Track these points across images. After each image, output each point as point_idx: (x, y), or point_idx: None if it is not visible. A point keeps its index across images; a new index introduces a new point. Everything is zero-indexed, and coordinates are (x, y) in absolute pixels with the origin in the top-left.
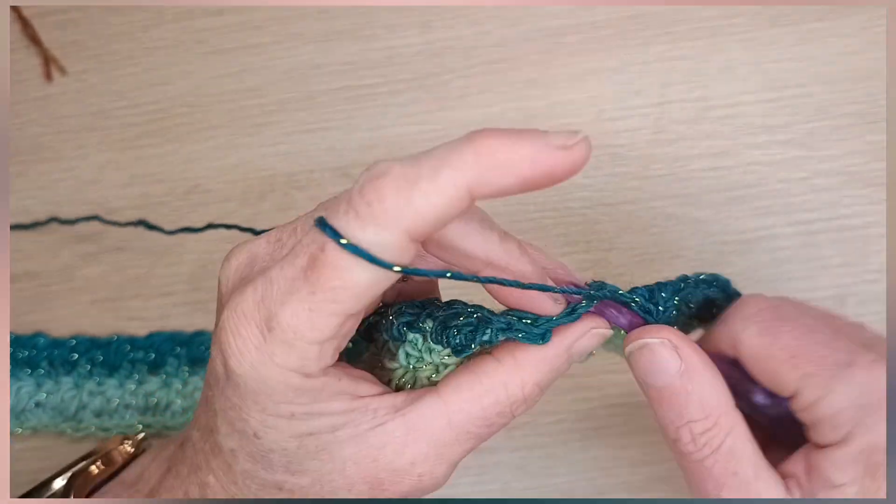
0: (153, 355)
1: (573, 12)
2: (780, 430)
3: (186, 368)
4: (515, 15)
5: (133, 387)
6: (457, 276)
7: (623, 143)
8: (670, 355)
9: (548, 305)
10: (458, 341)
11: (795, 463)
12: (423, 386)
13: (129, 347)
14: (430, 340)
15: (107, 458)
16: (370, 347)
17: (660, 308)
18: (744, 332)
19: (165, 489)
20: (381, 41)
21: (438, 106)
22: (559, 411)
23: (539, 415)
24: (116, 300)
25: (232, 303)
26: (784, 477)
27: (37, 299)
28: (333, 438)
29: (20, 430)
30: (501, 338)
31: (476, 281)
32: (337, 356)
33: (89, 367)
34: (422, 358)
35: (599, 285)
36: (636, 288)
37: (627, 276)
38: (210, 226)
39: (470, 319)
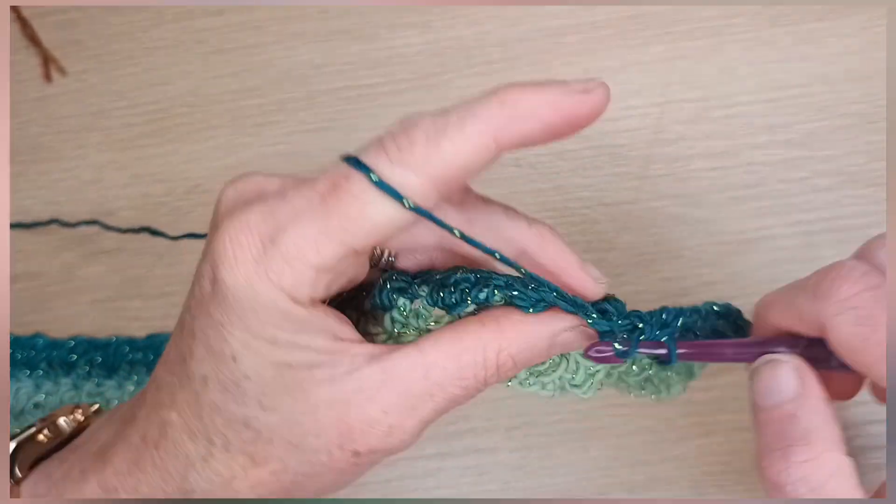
0: (152, 356)
1: (573, 12)
2: None
3: None
4: (515, 15)
5: (132, 388)
6: (467, 239)
7: (623, 143)
8: (793, 377)
9: (589, 285)
10: (453, 299)
11: None
12: None
13: (127, 349)
14: (421, 305)
15: (54, 427)
16: (359, 318)
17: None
18: (838, 318)
19: (121, 439)
20: (381, 41)
21: (438, 106)
22: (559, 411)
23: (539, 415)
24: (116, 300)
25: (236, 213)
26: None
27: (37, 299)
28: (310, 376)
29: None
30: (498, 297)
31: (486, 252)
32: (326, 293)
33: (88, 368)
34: (407, 323)
35: (614, 309)
36: (643, 316)
37: (627, 276)
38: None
39: (468, 276)
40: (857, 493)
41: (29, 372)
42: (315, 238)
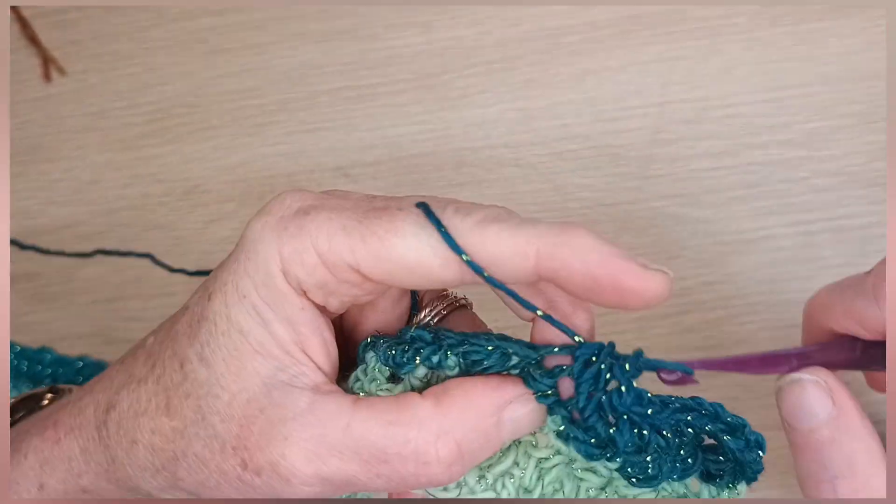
0: None
1: (573, 12)
2: None
3: None
4: (515, 15)
5: None
6: (511, 294)
7: (623, 143)
8: (822, 397)
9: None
10: (404, 358)
11: None
12: None
13: None
14: (375, 364)
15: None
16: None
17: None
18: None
19: (107, 378)
20: (381, 41)
21: (438, 106)
22: None
23: None
24: (116, 300)
25: (300, 188)
26: None
27: (36, 300)
28: (251, 353)
29: None
30: (451, 361)
31: (526, 307)
32: (322, 295)
33: None
34: (362, 386)
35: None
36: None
37: None
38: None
39: (423, 333)
40: None
41: (32, 386)
42: (336, 230)
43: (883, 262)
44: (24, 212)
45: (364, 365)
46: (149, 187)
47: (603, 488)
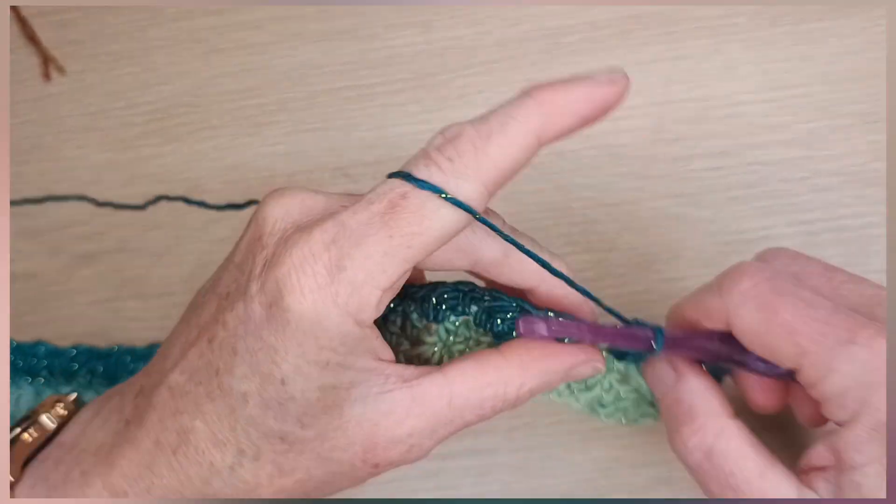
0: None
1: (573, 12)
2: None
3: None
4: (515, 15)
5: None
6: (520, 248)
7: (623, 143)
8: (668, 368)
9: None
10: (500, 329)
11: (823, 452)
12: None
13: (129, 358)
14: (472, 324)
15: (38, 426)
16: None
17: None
18: (741, 308)
19: (127, 441)
20: (381, 41)
21: (438, 106)
22: (559, 412)
23: (539, 416)
24: (115, 300)
25: (295, 241)
26: (814, 469)
27: (36, 300)
28: (347, 395)
29: None
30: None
31: (544, 265)
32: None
33: (89, 377)
34: (457, 333)
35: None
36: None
37: (628, 277)
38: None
39: (512, 307)
40: (747, 448)
41: (30, 379)
42: (381, 260)
43: (731, 266)
44: (24, 212)
45: (447, 322)
46: (149, 187)
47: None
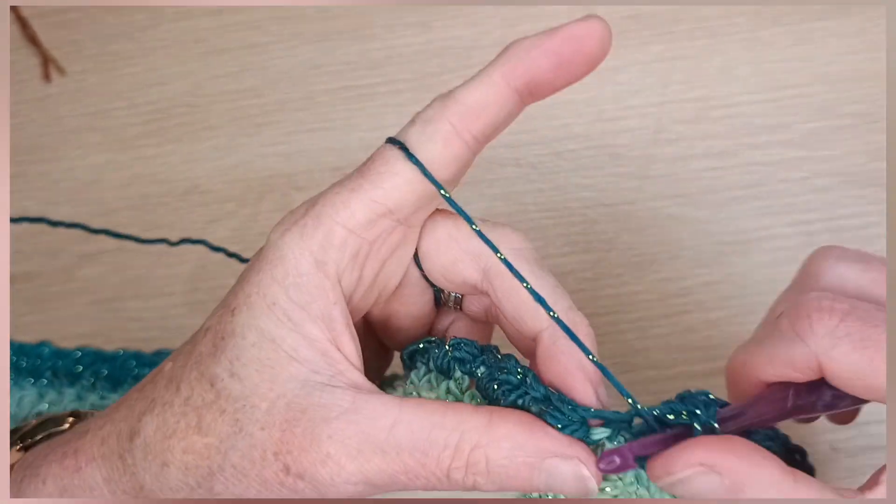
0: None
1: (573, 12)
2: None
3: None
4: (515, 15)
5: None
6: (481, 235)
7: (623, 143)
8: (708, 480)
9: (589, 396)
10: (494, 396)
11: None
12: None
13: (134, 363)
14: (473, 387)
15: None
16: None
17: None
18: (834, 351)
19: (126, 405)
20: (381, 41)
21: None
22: None
23: None
24: (116, 301)
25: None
26: None
27: (36, 300)
28: (286, 360)
29: None
30: (533, 409)
31: (542, 305)
32: (354, 278)
33: (93, 380)
34: (414, 390)
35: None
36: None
37: (627, 277)
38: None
39: (511, 378)
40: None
41: (33, 380)
42: (347, 196)
43: (782, 302)
44: (24, 212)
45: (452, 381)
46: (148, 187)
47: None
